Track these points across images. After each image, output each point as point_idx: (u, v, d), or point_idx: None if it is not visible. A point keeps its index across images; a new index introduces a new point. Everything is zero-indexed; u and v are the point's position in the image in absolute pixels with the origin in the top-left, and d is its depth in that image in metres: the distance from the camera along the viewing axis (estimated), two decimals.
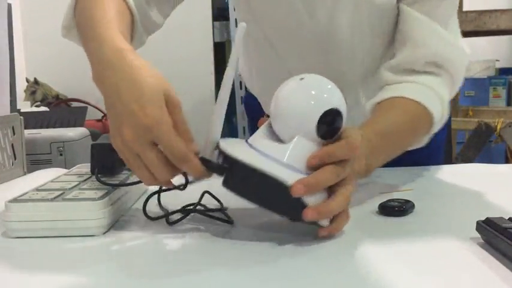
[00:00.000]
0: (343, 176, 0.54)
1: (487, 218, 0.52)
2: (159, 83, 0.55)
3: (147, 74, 0.55)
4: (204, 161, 0.55)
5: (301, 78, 0.56)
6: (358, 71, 0.90)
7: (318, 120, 0.53)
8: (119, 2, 0.71)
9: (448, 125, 1.12)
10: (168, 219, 0.61)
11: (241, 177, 0.53)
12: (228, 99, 0.56)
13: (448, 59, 0.81)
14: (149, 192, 0.67)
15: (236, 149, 0.54)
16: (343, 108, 0.55)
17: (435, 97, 0.78)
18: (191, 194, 0.63)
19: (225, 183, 0.54)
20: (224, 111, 0.55)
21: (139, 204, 0.70)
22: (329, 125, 0.54)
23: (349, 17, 0.83)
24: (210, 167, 0.55)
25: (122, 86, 0.55)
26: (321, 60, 0.88)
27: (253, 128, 1.14)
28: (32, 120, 1.49)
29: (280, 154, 0.53)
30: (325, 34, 0.84)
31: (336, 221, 0.55)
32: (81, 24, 0.71)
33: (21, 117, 0.97)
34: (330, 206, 0.53)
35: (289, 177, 0.51)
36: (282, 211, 0.54)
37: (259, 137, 0.56)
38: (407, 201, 0.64)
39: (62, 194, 0.60)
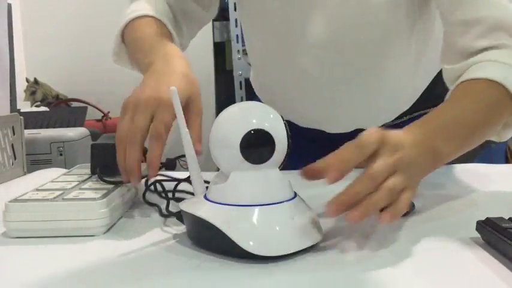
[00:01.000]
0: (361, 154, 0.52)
1: (487, 218, 0.52)
2: (190, 88, 0.66)
3: (185, 77, 0.68)
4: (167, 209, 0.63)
5: (234, 106, 0.55)
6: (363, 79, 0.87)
7: (240, 143, 0.50)
8: (161, 25, 0.82)
9: None
10: (166, 207, 0.63)
11: (187, 225, 0.55)
12: (195, 155, 0.56)
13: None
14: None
15: (189, 201, 0.56)
16: (276, 132, 0.51)
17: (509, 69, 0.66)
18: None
19: (187, 234, 0.56)
20: (198, 167, 0.56)
21: (139, 204, 0.71)
22: (254, 147, 0.50)
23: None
24: (172, 214, 0.61)
25: (161, 75, 0.67)
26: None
27: None
28: (32, 120, 1.49)
29: (221, 195, 0.52)
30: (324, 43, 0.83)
31: (395, 203, 0.51)
32: (132, 43, 0.81)
33: (21, 117, 0.97)
34: (349, 190, 0.50)
35: (213, 214, 0.50)
36: (226, 251, 0.50)
37: (212, 184, 0.54)
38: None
39: (62, 194, 0.60)
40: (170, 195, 0.69)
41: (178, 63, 0.70)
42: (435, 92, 0.86)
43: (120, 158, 0.63)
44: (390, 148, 0.53)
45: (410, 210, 0.64)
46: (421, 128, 0.60)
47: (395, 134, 0.55)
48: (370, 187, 0.51)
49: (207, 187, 0.56)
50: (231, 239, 0.48)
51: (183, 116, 0.56)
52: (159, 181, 0.71)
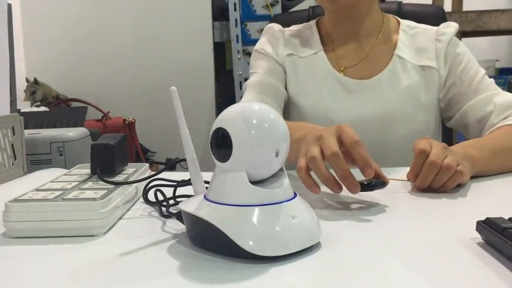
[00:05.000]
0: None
1: (487, 218, 0.52)
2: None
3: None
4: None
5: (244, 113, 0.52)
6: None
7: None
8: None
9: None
10: (166, 205, 0.64)
11: (187, 225, 0.55)
12: (195, 155, 0.57)
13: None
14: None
15: (189, 201, 0.56)
16: None
17: None
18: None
19: (187, 234, 0.56)
20: (198, 167, 0.57)
21: (139, 204, 0.71)
22: None
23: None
24: (172, 214, 0.63)
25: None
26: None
27: None
28: (32, 120, 1.48)
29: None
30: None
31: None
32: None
33: (21, 117, 0.97)
34: (421, 178, 0.72)
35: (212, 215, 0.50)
36: (225, 251, 0.50)
37: (215, 188, 0.53)
38: (378, 179, 0.66)
39: (62, 194, 0.60)
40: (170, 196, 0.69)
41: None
42: None
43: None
44: (437, 144, 0.73)
45: (380, 187, 0.66)
46: (458, 145, 0.84)
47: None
48: (435, 171, 0.70)
49: (206, 187, 0.56)
50: (231, 239, 0.48)
51: (182, 115, 0.56)
52: (158, 185, 0.71)
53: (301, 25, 1.13)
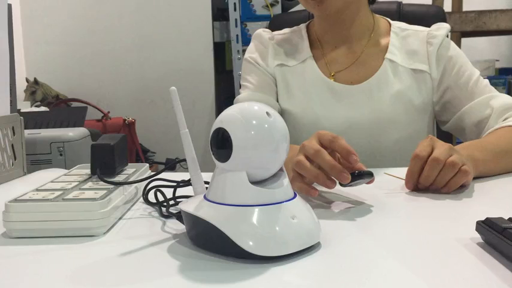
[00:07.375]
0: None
1: (487, 218, 0.52)
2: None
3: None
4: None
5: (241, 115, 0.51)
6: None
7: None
8: None
9: None
10: (166, 206, 0.64)
11: (187, 225, 0.55)
12: (195, 155, 0.57)
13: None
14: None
15: (189, 201, 0.56)
16: None
17: None
18: None
19: (187, 234, 0.56)
20: (198, 167, 0.57)
21: (139, 205, 0.71)
22: None
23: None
24: (172, 214, 0.63)
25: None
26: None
27: None
28: (32, 120, 1.48)
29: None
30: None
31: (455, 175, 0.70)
32: None
33: (21, 117, 0.97)
34: (423, 175, 0.71)
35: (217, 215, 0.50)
36: (225, 251, 0.50)
37: (215, 188, 0.53)
38: (368, 171, 0.67)
39: (62, 194, 0.60)
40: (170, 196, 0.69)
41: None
42: None
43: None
44: (443, 144, 0.73)
45: (368, 176, 0.66)
46: (458, 146, 0.82)
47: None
48: (438, 168, 0.70)
49: (206, 187, 0.56)
50: (231, 239, 0.48)
51: (182, 116, 0.56)
52: (158, 186, 0.71)
53: (291, 29, 1.13)
